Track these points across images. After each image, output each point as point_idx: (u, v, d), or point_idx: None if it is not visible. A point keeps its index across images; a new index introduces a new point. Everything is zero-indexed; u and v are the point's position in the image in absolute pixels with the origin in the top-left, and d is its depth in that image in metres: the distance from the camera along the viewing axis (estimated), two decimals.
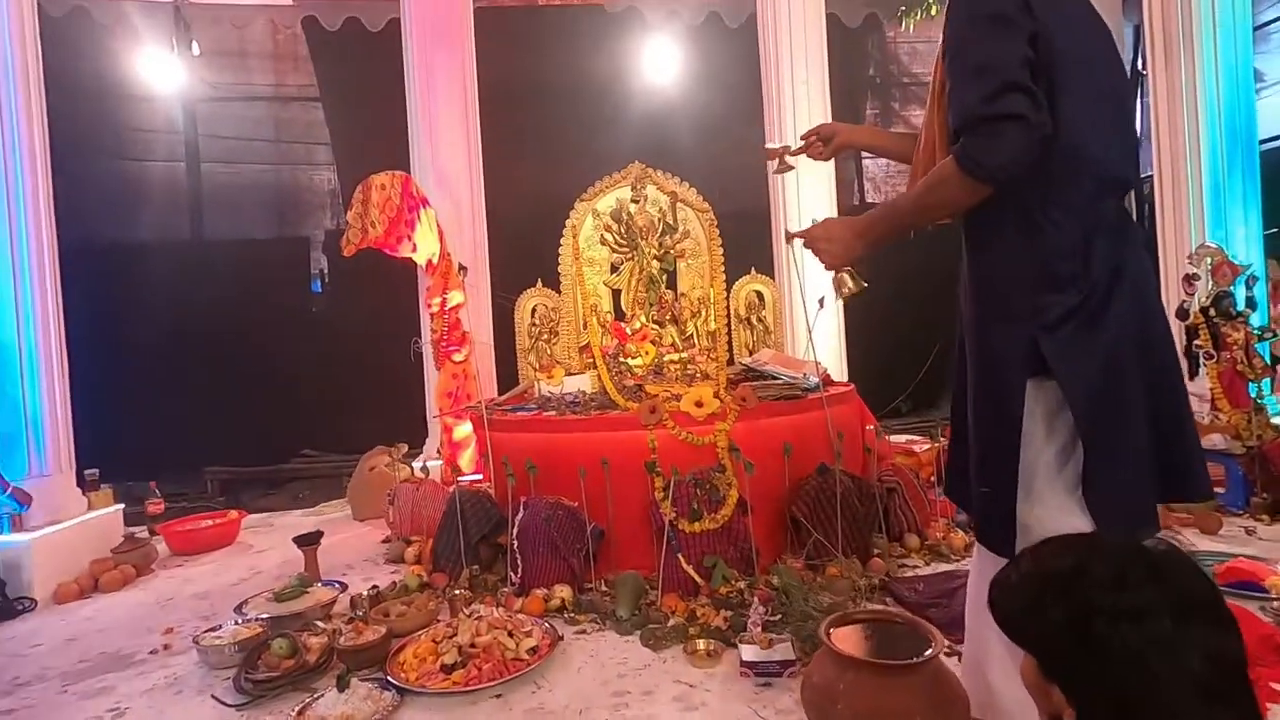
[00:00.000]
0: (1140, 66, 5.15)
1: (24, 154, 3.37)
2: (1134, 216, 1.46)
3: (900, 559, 2.86)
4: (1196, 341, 3.45)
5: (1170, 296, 4.31)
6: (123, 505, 3.75)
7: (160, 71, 6.46)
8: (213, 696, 2.11)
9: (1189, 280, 3.49)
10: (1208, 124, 3.96)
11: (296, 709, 1.95)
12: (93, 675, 2.35)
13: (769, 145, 2.06)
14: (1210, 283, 3.45)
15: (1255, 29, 4.64)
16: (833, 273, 1.61)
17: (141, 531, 3.86)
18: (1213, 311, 3.41)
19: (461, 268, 3.52)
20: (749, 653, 2.03)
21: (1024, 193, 1.32)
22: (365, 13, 6.42)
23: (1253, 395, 3.36)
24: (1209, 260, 3.45)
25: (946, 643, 1.79)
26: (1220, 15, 4.01)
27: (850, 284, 1.58)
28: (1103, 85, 1.36)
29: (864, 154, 8.38)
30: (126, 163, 7.03)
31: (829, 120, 5.12)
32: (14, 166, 3.33)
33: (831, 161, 5.26)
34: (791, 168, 2.00)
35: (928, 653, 1.44)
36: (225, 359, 6.66)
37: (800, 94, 4.80)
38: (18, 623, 2.93)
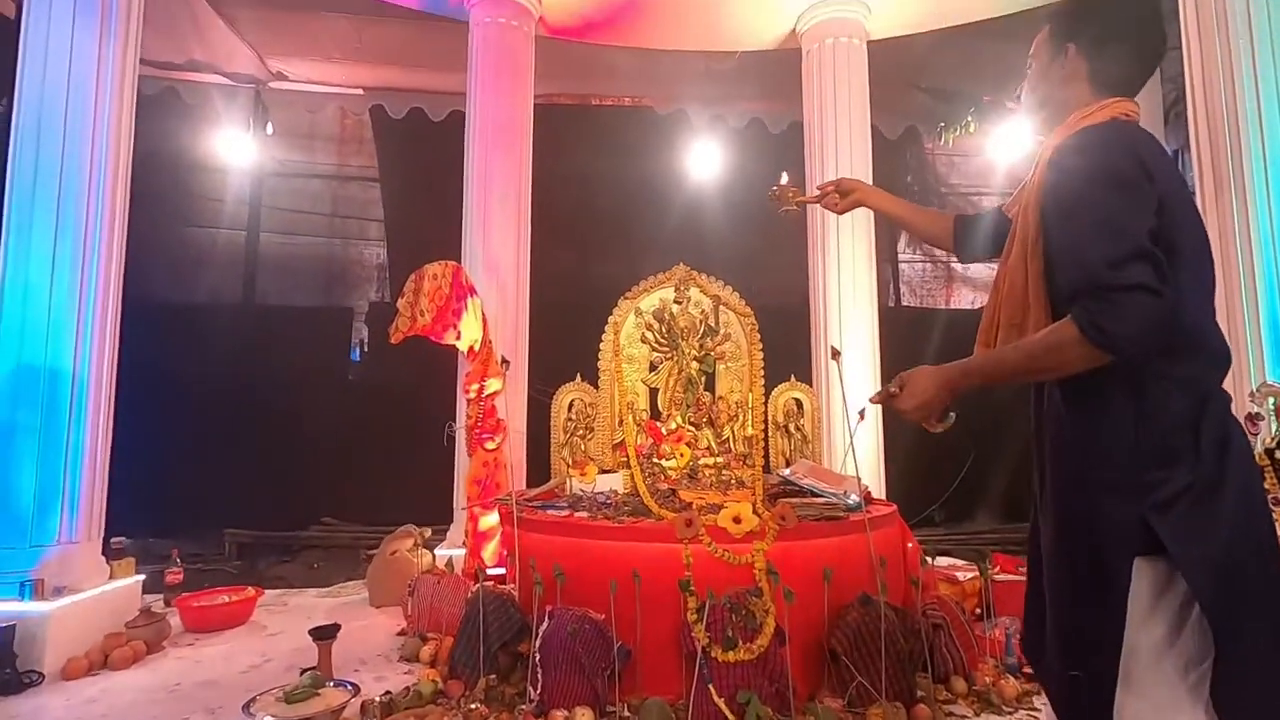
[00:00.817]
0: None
1: (104, 222, 3.54)
2: None
3: (946, 704, 2.66)
4: (1265, 485, 3.28)
5: None
6: (143, 577, 3.71)
7: (235, 147, 6.89)
8: None
9: (1252, 420, 3.35)
10: (1263, 257, 3.90)
11: None
12: None
13: (779, 185, 2.03)
14: (1275, 422, 3.31)
15: None
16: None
17: (158, 602, 3.81)
18: (1278, 453, 3.25)
19: (504, 360, 3.55)
20: None
21: (1139, 369, 1.25)
22: (429, 104, 6.85)
23: None
24: (1272, 400, 3.31)
25: None
26: (1271, 145, 3.99)
27: (938, 426, 1.51)
28: (1207, 260, 1.34)
29: (899, 259, 8.50)
30: (192, 229, 7.40)
31: (871, 225, 5.23)
32: (94, 233, 3.49)
33: (873, 264, 5.32)
34: (795, 209, 2.00)
35: None
36: (260, 420, 6.76)
37: None
38: (23, 698, 2.85)
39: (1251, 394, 3.45)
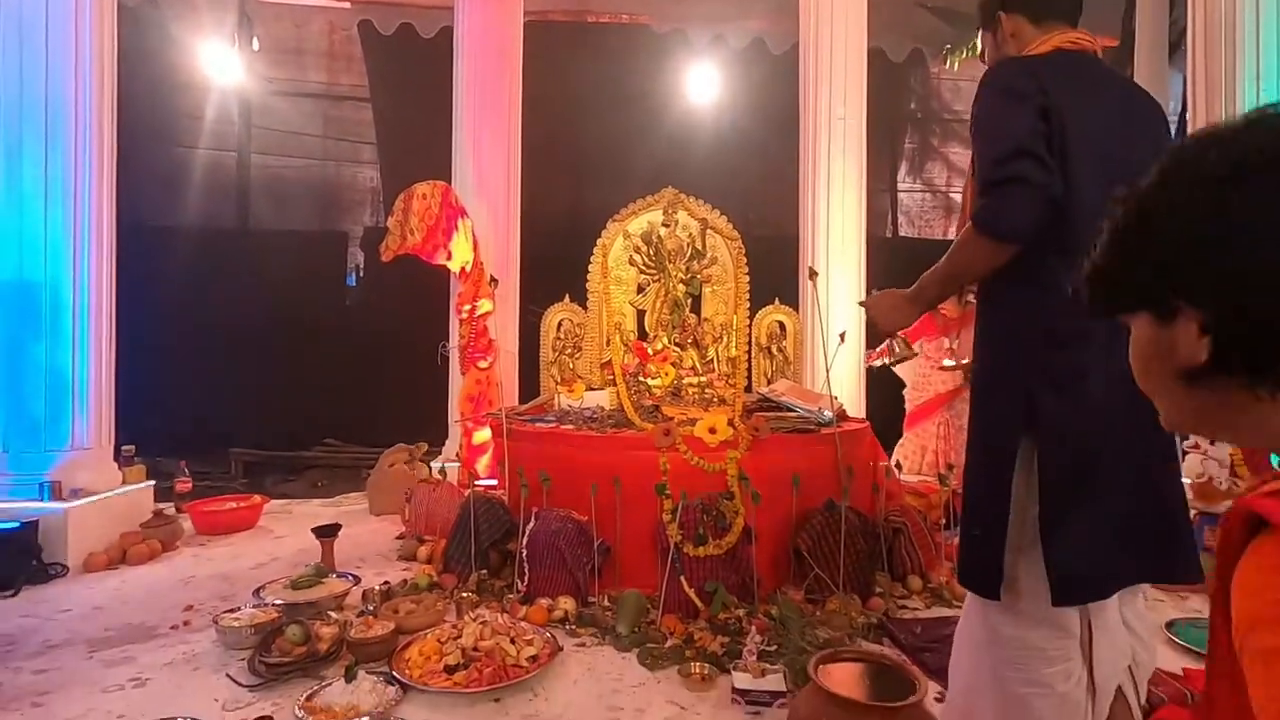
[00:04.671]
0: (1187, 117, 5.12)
1: (93, 134, 3.55)
2: None
3: (901, 599, 2.88)
4: None
5: None
6: (153, 482, 3.91)
7: (220, 63, 6.72)
8: (228, 675, 2.22)
9: None
10: None
11: (305, 696, 2.04)
12: (117, 645, 2.48)
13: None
14: None
15: None
16: (888, 340, 1.77)
17: (169, 508, 4.02)
18: None
19: (493, 279, 3.63)
20: (741, 680, 2.08)
21: (1037, 256, 1.39)
22: (419, 19, 6.63)
23: (1275, 464, 3.32)
24: None
25: (935, 689, 1.83)
26: (1265, 59, 3.97)
27: (898, 349, 1.77)
28: (1114, 171, 1.41)
29: (898, 188, 8.42)
30: (179, 149, 7.31)
31: (863, 152, 5.19)
32: (84, 148, 3.51)
33: (863, 192, 5.29)
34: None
35: (912, 697, 1.48)
36: (259, 344, 6.87)
37: (837, 130, 4.86)
38: (50, 587, 3.08)
39: None
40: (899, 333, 1.72)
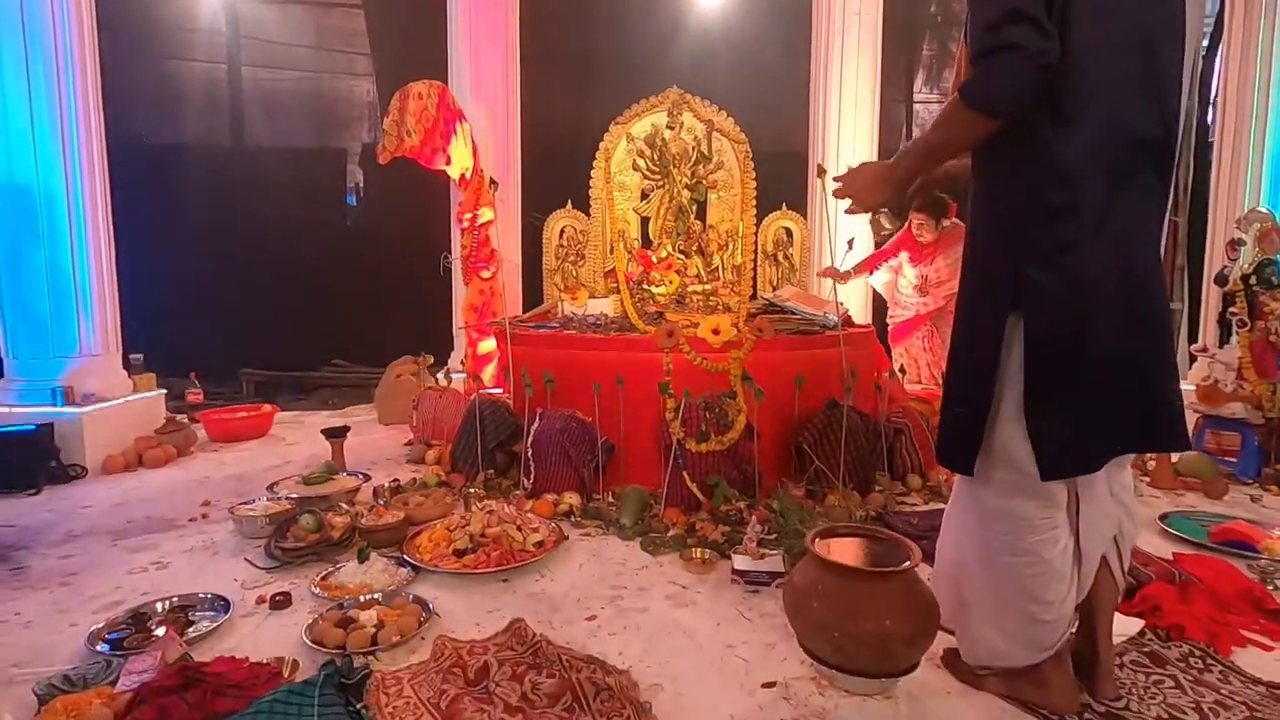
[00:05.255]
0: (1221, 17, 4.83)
1: (74, 40, 3.42)
2: (1170, 179, 1.46)
3: (900, 496, 2.94)
4: (1232, 309, 3.37)
5: (1213, 262, 4.19)
6: (164, 391, 3.97)
7: None
8: (246, 559, 2.30)
9: (1233, 245, 3.38)
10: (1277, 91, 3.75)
11: (320, 576, 2.12)
12: (138, 534, 2.57)
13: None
14: (1255, 251, 3.34)
15: None
16: (869, 215, 1.70)
17: (182, 417, 4.09)
18: (1253, 280, 3.32)
19: (493, 182, 3.55)
20: (741, 562, 2.14)
21: (1032, 126, 1.32)
22: None
23: None
24: (1257, 226, 3.32)
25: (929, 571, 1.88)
26: None
27: (885, 224, 1.69)
28: (1127, 35, 1.33)
29: (915, 99, 8.09)
30: (169, 61, 7.06)
31: (878, 51, 4.93)
32: (65, 52, 3.39)
33: (877, 99, 5.08)
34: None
35: (905, 564, 1.52)
36: (262, 265, 6.84)
37: (851, 27, 4.62)
38: (70, 487, 3.18)
39: (1238, 220, 3.45)
40: (879, 211, 1.67)
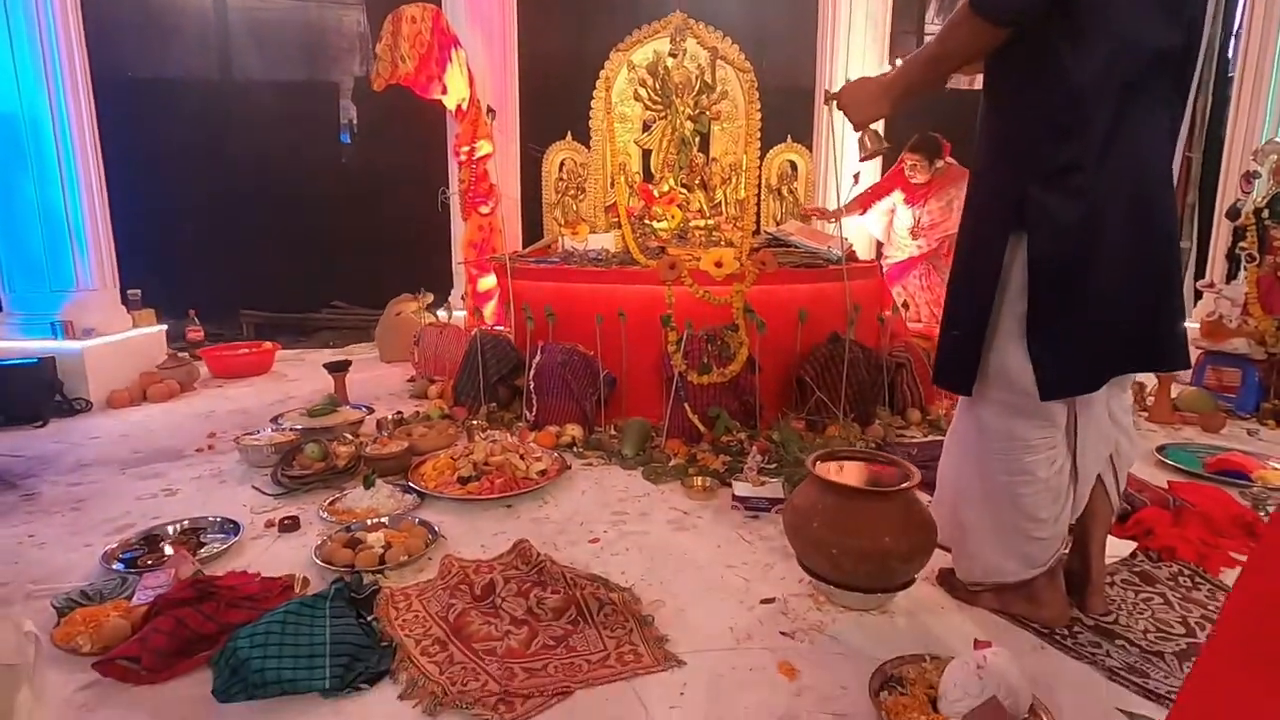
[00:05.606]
0: None
1: None
2: (1187, 93, 1.42)
3: (900, 429, 2.96)
4: (1242, 244, 3.33)
5: (1225, 199, 4.11)
6: (165, 326, 3.96)
7: None
8: (253, 487, 2.34)
9: (1247, 178, 3.31)
10: None
11: (327, 501, 2.16)
12: (146, 464, 2.60)
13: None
14: (1270, 183, 3.28)
15: None
16: (859, 134, 1.65)
17: (183, 354, 4.09)
18: (1265, 214, 3.26)
19: (490, 110, 3.44)
20: (741, 489, 2.17)
21: (1042, 42, 1.28)
22: None
23: None
24: (1274, 158, 3.25)
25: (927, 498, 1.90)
26: None
27: (869, 143, 1.65)
28: None
29: (926, 31, 7.79)
30: None
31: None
32: None
33: (886, 34, 4.89)
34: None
35: (905, 484, 1.54)
36: (258, 205, 6.73)
37: None
38: (76, 420, 3.20)
39: (1254, 152, 3.37)
40: (869, 128, 1.62)
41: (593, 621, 1.55)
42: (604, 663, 1.42)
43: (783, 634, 1.52)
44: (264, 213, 6.75)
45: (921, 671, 1.32)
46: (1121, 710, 1.28)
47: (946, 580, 1.71)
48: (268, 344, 4.26)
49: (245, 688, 1.29)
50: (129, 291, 3.78)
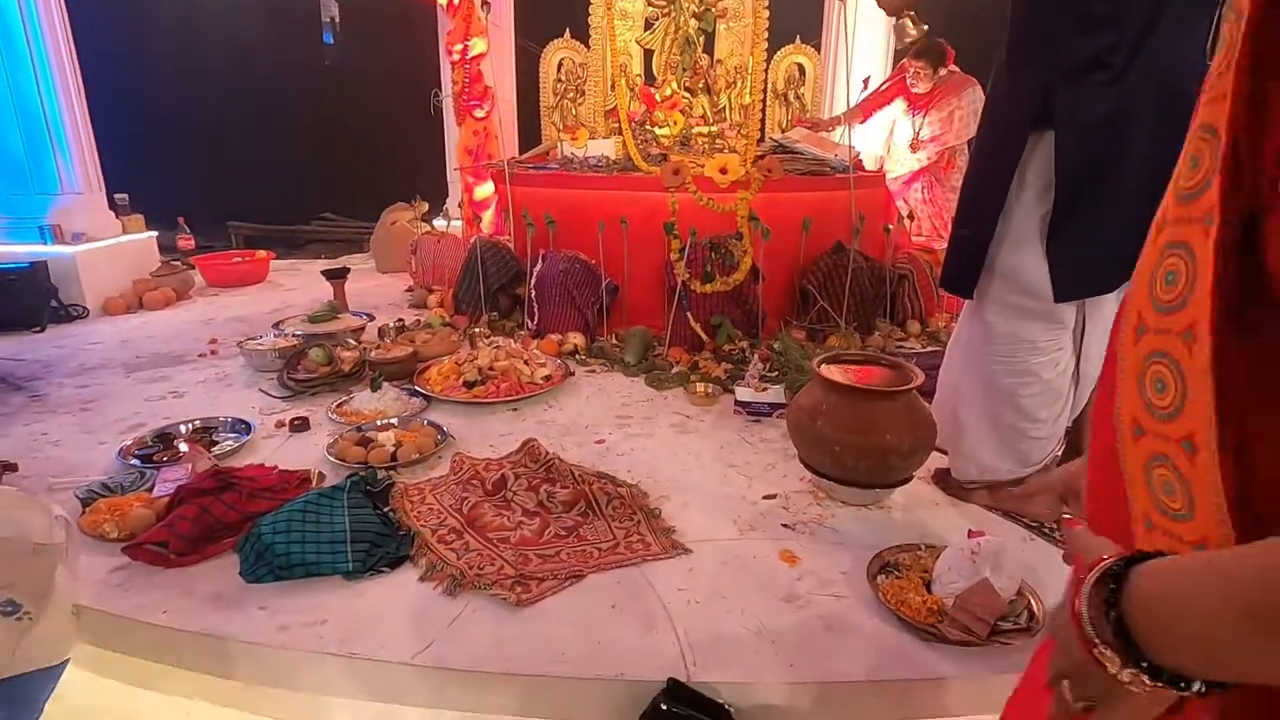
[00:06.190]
0: None
1: None
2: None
3: (899, 340, 2.98)
4: None
5: None
6: (156, 233, 3.88)
7: None
8: (260, 390, 2.36)
9: None
10: None
11: (335, 404, 2.18)
12: (150, 368, 2.61)
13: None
14: None
15: None
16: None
17: (176, 262, 4.03)
18: None
19: (484, 3, 3.26)
20: (743, 394, 2.21)
21: None
22: None
23: None
24: None
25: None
26: None
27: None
28: None
29: None
30: None
31: None
32: None
33: None
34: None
35: (909, 384, 1.56)
36: (240, 113, 6.46)
37: None
38: (73, 326, 3.19)
39: None
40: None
41: (602, 513, 1.61)
42: (614, 550, 1.48)
43: (784, 526, 1.58)
44: (247, 120, 6.51)
45: (916, 558, 1.39)
46: None
47: (941, 479, 1.77)
48: (262, 252, 4.19)
49: (271, 569, 1.35)
50: (116, 196, 3.68)
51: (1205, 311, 0.38)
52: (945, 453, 1.72)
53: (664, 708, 1.05)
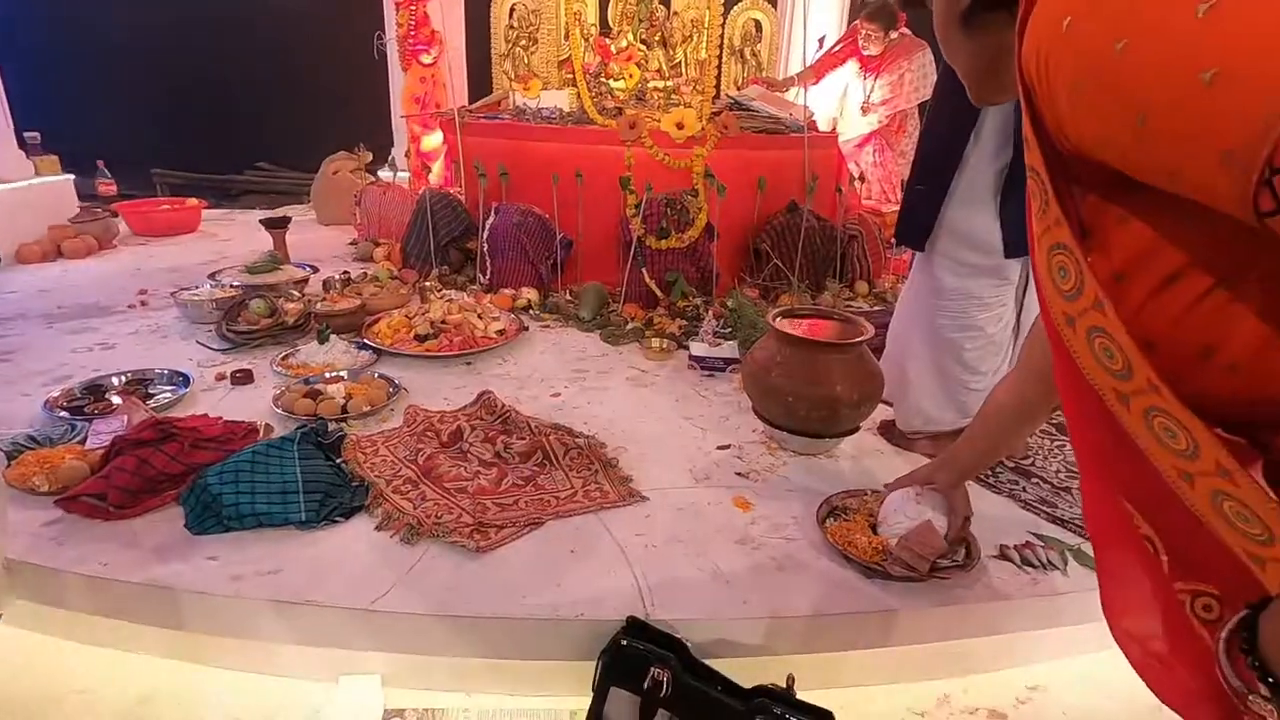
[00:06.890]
0: None
1: None
2: None
3: (848, 300, 3.05)
4: None
5: None
6: (73, 176, 3.61)
7: None
8: (198, 342, 2.26)
9: None
10: None
11: (280, 356, 2.11)
12: (75, 319, 2.46)
13: None
14: None
15: None
16: None
17: (97, 208, 3.77)
18: None
19: None
20: (698, 349, 2.24)
21: None
22: None
23: None
24: None
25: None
26: None
27: None
28: None
29: None
30: None
31: None
32: None
33: None
34: None
35: (860, 338, 1.61)
36: (164, 50, 6.02)
37: None
38: None
39: None
40: None
41: (559, 464, 1.62)
42: (572, 499, 1.50)
43: (738, 474, 1.63)
44: (172, 59, 6.08)
45: (863, 503, 1.46)
46: (1031, 533, 1.45)
47: (887, 430, 1.85)
48: (193, 200, 3.96)
49: (220, 521, 1.32)
50: (26, 134, 3.40)
51: (1094, 286, 0.45)
52: (891, 405, 1.79)
53: (624, 643, 1.08)
